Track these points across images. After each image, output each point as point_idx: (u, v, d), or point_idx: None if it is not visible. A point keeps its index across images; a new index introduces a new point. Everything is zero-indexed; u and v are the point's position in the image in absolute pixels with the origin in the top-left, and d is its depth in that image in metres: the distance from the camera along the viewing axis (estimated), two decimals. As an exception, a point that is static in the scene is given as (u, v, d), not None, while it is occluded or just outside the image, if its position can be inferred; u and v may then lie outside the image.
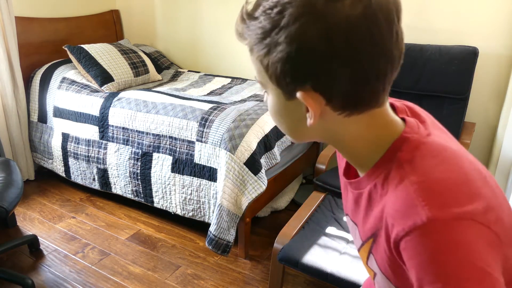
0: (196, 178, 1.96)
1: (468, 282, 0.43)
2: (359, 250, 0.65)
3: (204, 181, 1.94)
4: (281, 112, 0.57)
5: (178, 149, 2.00)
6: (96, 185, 2.38)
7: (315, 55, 0.48)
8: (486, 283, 0.43)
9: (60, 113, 2.46)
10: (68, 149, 2.43)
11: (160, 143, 2.05)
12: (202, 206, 1.99)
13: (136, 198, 2.23)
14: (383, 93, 0.53)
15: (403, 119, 0.57)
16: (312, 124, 0.53)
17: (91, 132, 2.31)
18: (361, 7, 0.46)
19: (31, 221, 2.27)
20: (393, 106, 0.60)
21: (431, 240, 0.45)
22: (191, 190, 1.99)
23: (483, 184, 0.50)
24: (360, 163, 0.58)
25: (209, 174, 1.92)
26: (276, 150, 2.01)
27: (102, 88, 2.42)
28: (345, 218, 1.60)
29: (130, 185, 2.21)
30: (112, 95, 2.30)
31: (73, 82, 2.47)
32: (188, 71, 2.93)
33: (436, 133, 0.56)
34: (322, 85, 0.50)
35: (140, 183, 2.16)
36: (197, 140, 1.94)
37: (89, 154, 2.33)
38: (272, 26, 0.49)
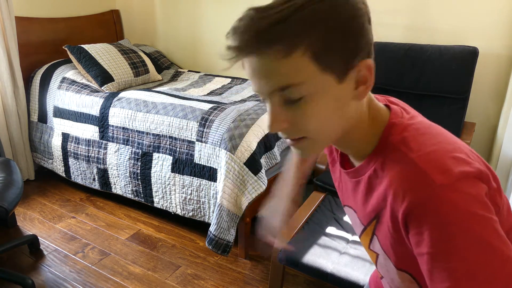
0: (196, 178, 1.96)
1: (475, 254, 0.47)
2: (360, 235, 0.69)
3: (204, 181, 1.94)
4: (331, 107, 0.55)
5: (178, 149, 2.00)
6: (96, 185, 2.38)
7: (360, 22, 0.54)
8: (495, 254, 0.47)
9: (60, 113, 2.46)
10: (68, 149, 2.43)
11: (160, 143, 2.05)
12: (202, 206, 1.99)
13: (136, 198, 2.23)
14: None
15: (387, 106, 0.63)
16: (363, 97, 0.57)
17: (91, 132, 2.31)
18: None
19: (31, 221, 2.27)
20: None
21: (442, 206, 0.49)
22: (191, 190, 1.99)
23: (470, 152, 0.56)
24: (358, 152, 0.63)
25: (209, 174, 1.92)
26: (276, 150, 2.01)
27: (102, 88, 2.42)
28: (345, 217, 1.60)
29: (130, 185, 2.21)
30: (112, 95, 2.30)
31: (73, 82, 2.47)
32: (188, 71, 2.93)
33: (419, 117, 0.62)
34: (370, 50, 0.56)
35: (140, 183, 2.16)
36: (197, 140, 1.94)
37: (89, 154, 2.33)
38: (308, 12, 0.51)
